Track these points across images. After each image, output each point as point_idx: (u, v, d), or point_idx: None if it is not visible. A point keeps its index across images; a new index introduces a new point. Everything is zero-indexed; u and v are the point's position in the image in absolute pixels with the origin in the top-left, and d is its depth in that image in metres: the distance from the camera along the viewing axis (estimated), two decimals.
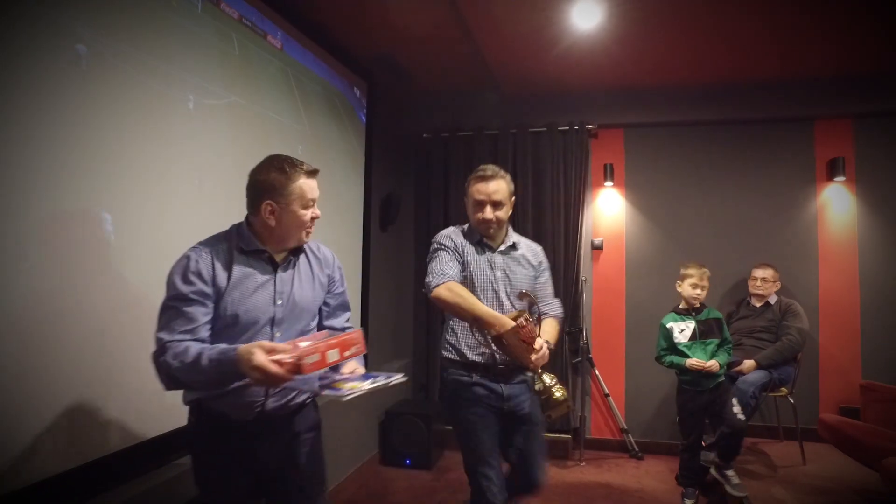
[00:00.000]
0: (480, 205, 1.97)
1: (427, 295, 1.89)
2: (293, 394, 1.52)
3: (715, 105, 3.99)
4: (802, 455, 3.37)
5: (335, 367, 1.47)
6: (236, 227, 1.51)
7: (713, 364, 2.91)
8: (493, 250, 2.02)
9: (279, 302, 1.48)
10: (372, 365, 3.78)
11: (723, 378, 3.03)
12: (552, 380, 1.73)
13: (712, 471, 3.07)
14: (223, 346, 1.32)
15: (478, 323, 1.82)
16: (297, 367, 1.24)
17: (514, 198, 2.05)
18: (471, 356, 1.98)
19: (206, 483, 1.49)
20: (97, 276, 1.72)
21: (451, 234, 2.03)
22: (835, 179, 3.90)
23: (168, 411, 1.85)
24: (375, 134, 3.83)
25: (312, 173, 1.49)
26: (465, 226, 2.08)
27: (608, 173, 4.17)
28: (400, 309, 4.40)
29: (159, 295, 1.39)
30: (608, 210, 4.26)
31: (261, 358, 1.22)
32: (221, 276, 1.41)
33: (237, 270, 1.43)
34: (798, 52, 3.41)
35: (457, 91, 4.18)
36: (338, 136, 3.36)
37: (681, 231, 4.13)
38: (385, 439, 3.73)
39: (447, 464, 3.75)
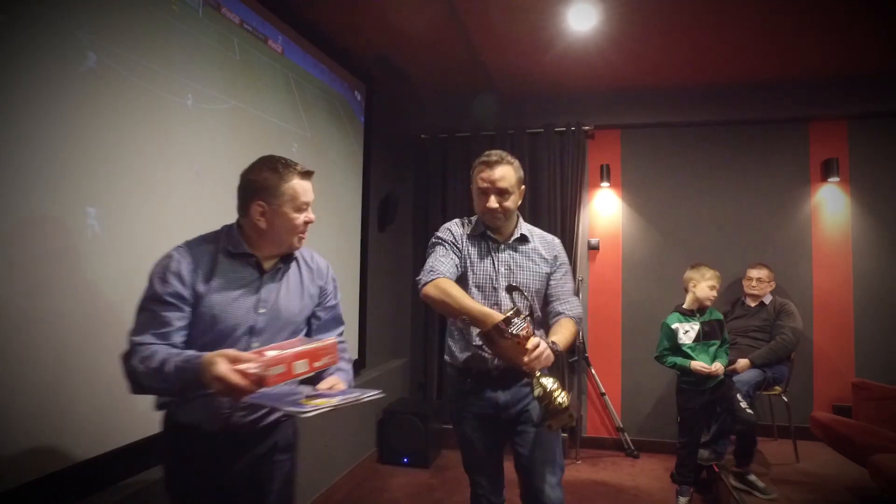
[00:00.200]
0: (484, 193, 1.80)
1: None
2: (265, 409, 1.42)
3: (710, 106, 4.03)
4: (796, 453, 3.41)
5: (313, 380, 1.39)
6: (227, 229, 1.45)
7: (719, 368, 2.92)
8: (498, 243, 1.86)
9: (262, 310, 1.40)
10: (370, 364, 3.84)
11: (722, 377, 3.06)
12: (554, 384, 1.53)
13: (733, 481, 3.06)
14: (190, 353, 1.24)
15: (468, 321, 1.68)
16: (260, 379, 1.15)
17: (523, 186, 1.88)
18: (462, 360, 1.86)
19: (176, 494, 1.42)
20: (92, 274, 1.74)
21: (451, 226, 1.90)
22: (829, 180, 3.94)
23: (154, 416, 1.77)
24: (374, 135, 3.86)
25: (307, 174, 1.43)
26: (473, 217, 1.93)
27: (605, 174, 4.20)
28: (398, 308, 4.44)
29: None
30: (604, 210, 4.29)
31: (222, 368, 1.14)
32: (202, 278, 1.35)
33: (220, 274, 1.37)
34: (793, 54, 3.44)
35: (455, 92, 4.21)
36: (338, 139, 3.39)
37: (676, 231, 4.17)
38: (383, 438, 3.77)
39: (445, 462, 3.79)
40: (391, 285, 4.35)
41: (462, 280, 1.81)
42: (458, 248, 1.85)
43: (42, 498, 1.56)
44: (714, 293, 3.04)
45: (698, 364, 2.92)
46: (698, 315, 3.05)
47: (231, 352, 1.19)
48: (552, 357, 1.59)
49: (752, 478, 3.04)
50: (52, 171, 1.59)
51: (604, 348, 4.22)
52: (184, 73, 2.12)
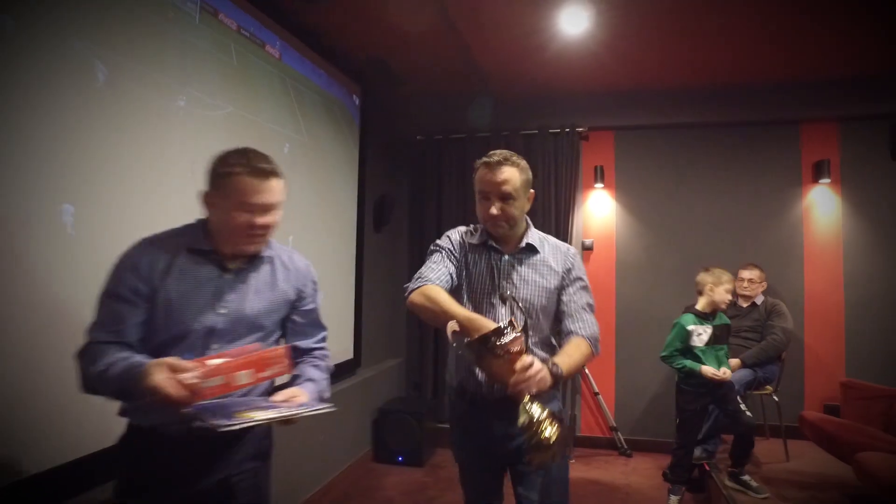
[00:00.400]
0: (485, 198, 1.61)
1: None
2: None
3: (703, 108, 4.07)
4: (786, 452, 3.44)
5: (277, 390, 1.30)
6: (197, 223, 1.37)
7: (727, 374, 2.95)
8: (500, 254, 1.65)
9: (222, 311, 1.31)
10: (366, 364, 3.88)
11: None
12: (543, 413, 1.31)
13: (727, 480, 3.09)
14: (136, 359, 1.18)
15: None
16: (197, 391, 1.09)
17: (532, 190, 1.67)
18: (458, 381, 1.70)
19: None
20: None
21: (452, 233, 1.74)
22: (820, 181, 3.98)
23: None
24: (371, 137, 3.91)
25: (263, 173, 1.28)
26: (480, 224, 1.73)
27: (598, 175, 4.24)
28: (394, 308, 4.47)
29: None
30: (598, 211, 4.33)
31: (158, 378, 1.08)
32: (160, 274, 1.27)
33: (179, 271, 1.29)
34: (785, 57, 3.47)
35: (450, 95, 4.25)
36: (335, 142, 3.43)
37: (669, 232, 4.20)
38: (378, 437, 3.80)
39: (439, 461, 3.83)
40: (387, 285, 4.39)
41: (457, 293, 1.64)
42: (455, 256, 1.67)
43: None
44: (730, 297, 3.05)
45: (710, 370, 2.92)
46: (711, 318, 3.05)
47: (173, 360, 1.12)
48: (548, 381, 1.36)
49: (746, 478, 3.07)
50: (40, 174, 1.60)
51: None
52: (179, 77, 2.14)
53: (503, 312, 1.61)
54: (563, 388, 4.09)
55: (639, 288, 4.21)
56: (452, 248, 1.69)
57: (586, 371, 4.17)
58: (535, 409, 1.32)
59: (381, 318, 4.26)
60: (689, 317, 3.06)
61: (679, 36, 3.21)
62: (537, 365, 1.33)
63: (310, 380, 1.41)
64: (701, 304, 3.07)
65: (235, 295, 1.34)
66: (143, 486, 1.30)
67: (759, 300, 3.71)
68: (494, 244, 1.66)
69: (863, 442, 2.55)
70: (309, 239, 3.10)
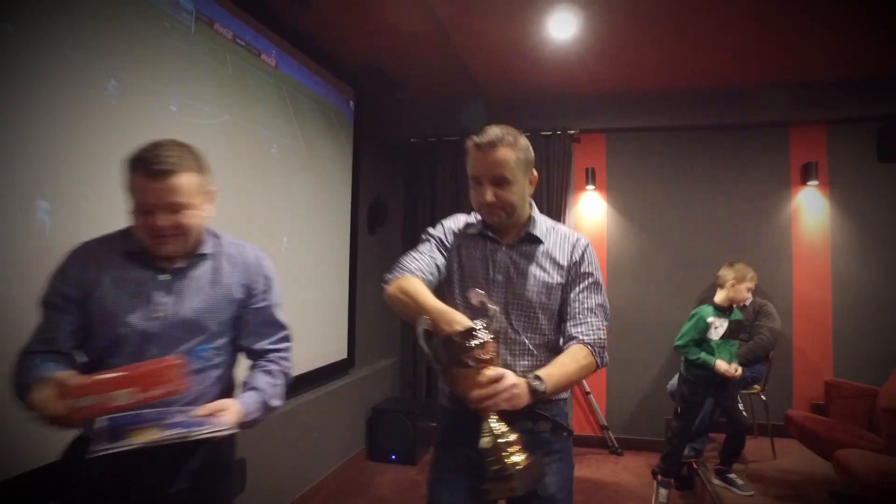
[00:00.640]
0: (478, 183, 1.40)
1: None
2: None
3: (693, 111, 4.11)
4: (773, 450, 3.50)
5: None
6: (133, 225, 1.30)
7: (739, 370, 3.00)
8: (497, 245, 1.45)
9: (157, 315, 1.25)
10: (359, 364, 3.93)
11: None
12: (510, 436, 1.13)
13: (713, 478, 3.14)
14: (44, 372, 1.11)
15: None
16: (74, 412, 1.02)
17: (535, 173, 1.45)
18: (444, 390, 1.49)
19: None
20: None
21: (447, 221, 1.56)
22: (808, 183, 4.02)
23: None
24: (365, 140, 3.96)
25: (155, 174, 1.19)
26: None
27: (590, 177, 4.29)
28: (388, 309, 4.49)
29: None
30: (590, 213, 4.38)
31: (38, 395, 1.03)
32: (92, 279, 1.23)
33: (110, 274, 1.24)
34: (773, 60, 3.52)
35: (443, 98, 4.30)
36: (331, 146, 3.49)
37: (660, 233, 4.26)
38: (371, 435, 3.86)
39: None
40: (381, 286, 4.42)
41: (448, 287, 1.48)
42: (445, 246, 1.49)
43: None
44: (749, 295, 3.10)
45: (723, 364, 2.97)
46: (728, 313, 3.09)
47: (63, 376, 1.06)
48: (522, 399, 1.16)
49: (732, 476, 3.13)
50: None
51: None
52: (176, 89, 2.16)
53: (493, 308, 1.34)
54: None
55: (630, 289, 4.26)
56: (443, 238, 1.51)
57: None
58: (501, 430, 1.13)
59: (375, 319, 4.31)
60: (710, 308, 3.09)
61: (668, 40, 3.26)
62: (509, 378, 1.14)
63: (253, 388, 1.32)
64: (720, 298, 3.11)
65: (171, 297, 1.27)
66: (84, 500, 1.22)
67: (748, 301, 3.76)
68: (492, 234, 1.46)
69: (844, 439, 2.61)
70: (304, 240, 3.16)
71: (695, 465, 3.33)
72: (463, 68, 3.67)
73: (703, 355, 3.02)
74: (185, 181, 1.22)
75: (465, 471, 1.34)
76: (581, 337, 1.35)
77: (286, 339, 1.44)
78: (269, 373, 1.37)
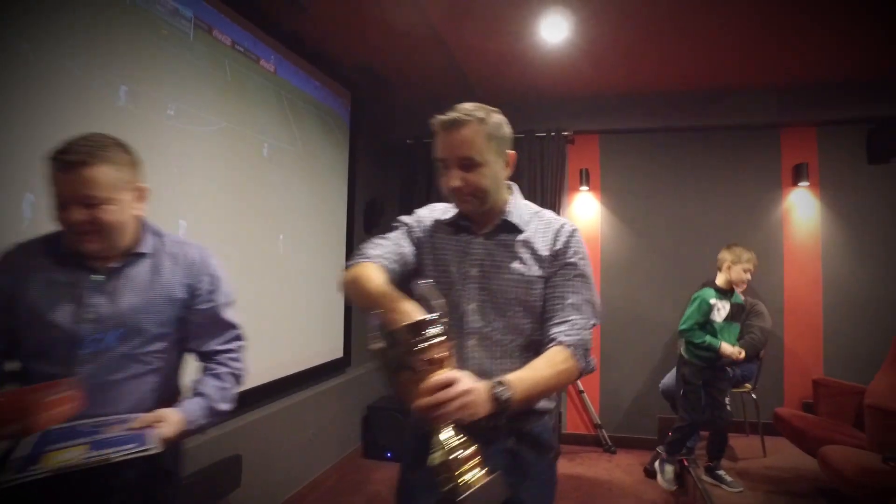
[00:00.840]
0: (445, 167, 1.25)
1: None
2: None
3: (686, 112, 4.16)
4: (763, 448, 3.54)
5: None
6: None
7: (742, 354, 3.04)
8: (472, 234, 1.30)
9: (89, 317, 1.20)
10: (355, 363, 3.96)
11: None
12: (466, 450, 0.95)
13: (703, 475, 3.18)
14: None
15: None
16: None
17: (509, 151, 1.29)
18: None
19: None
20: None
21: (422, 209, 1.41)
22: (799, 184, 4.07)
23: None
24: (361, 141, 4.01)
25: (64, 166, 1.14)
26: None
27: (584, 178, 4.33)
28: None
29: None
30: (584, 214, 4.42)
31: None
32: (18, 281, 1.19)
33: (37, 277, 1.20)
34: (765, 63, 3.56)
35: (438, 99, 4.30)
36: (327, 147, 3.54)
37: (653, 233, 4.30)
38: (367, 433, 3.90)
39: None
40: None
41: (416, 280, 1.30)
42: (415, 235, 1.34)
43: None
44: (748, 276, 3.11)
45: (728, 347, 3.01)
46: (730, 295, 3.13)
47: None
48: (478, 409, 0.98)
49: (721, 472, 3.18)
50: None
51: None
52: (170, 92, 2.19)
53: (469, 305, 1.23)
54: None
55: (623, 288, 4.30)
56: (413, 226, 1.36)
57: None
58: (453, 444, 0.95)
59: (370, 318, 4.35)
60: (710, 291, 3.14)
61: (660, 43, 3.30)
62: (463, 384, 0.96)
63: (199, 394, 1.28)
64: (720, 280, 3.16)
65: (104, 298, 1.22)
66: None
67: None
68: (466, 223, 1.31)
69: (830, 437, 2.65)
70: (301, 240, 3.20)
71: (686, 463, 3.38)
72: (457, 70, 3.71)
73: (708, 338, 3.05)
74: (100, 174, 1.16)
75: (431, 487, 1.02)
76: (561, 338, 1.18)
77: (237, 338, 1.39)
78: (217, 376, 1.32)
